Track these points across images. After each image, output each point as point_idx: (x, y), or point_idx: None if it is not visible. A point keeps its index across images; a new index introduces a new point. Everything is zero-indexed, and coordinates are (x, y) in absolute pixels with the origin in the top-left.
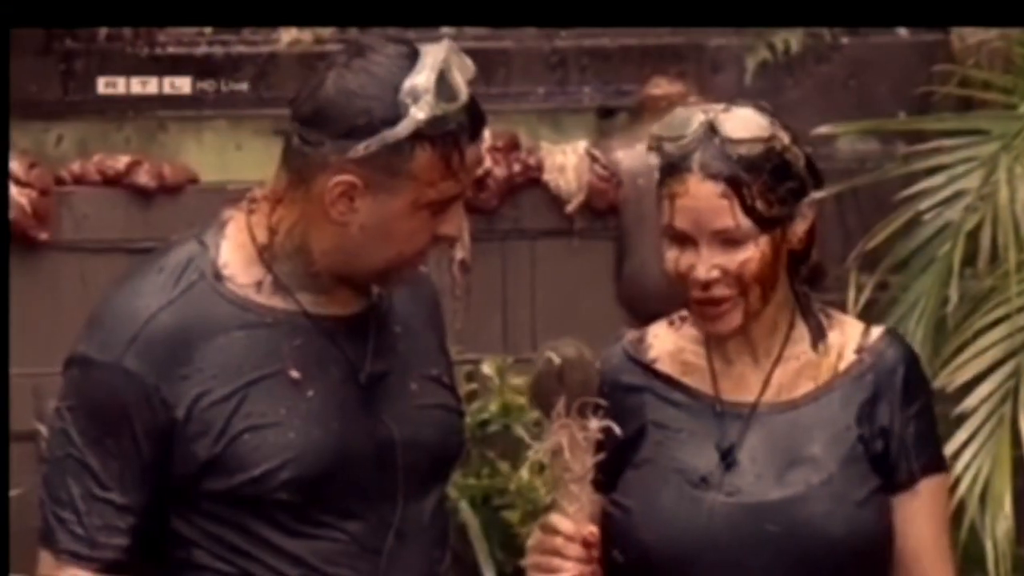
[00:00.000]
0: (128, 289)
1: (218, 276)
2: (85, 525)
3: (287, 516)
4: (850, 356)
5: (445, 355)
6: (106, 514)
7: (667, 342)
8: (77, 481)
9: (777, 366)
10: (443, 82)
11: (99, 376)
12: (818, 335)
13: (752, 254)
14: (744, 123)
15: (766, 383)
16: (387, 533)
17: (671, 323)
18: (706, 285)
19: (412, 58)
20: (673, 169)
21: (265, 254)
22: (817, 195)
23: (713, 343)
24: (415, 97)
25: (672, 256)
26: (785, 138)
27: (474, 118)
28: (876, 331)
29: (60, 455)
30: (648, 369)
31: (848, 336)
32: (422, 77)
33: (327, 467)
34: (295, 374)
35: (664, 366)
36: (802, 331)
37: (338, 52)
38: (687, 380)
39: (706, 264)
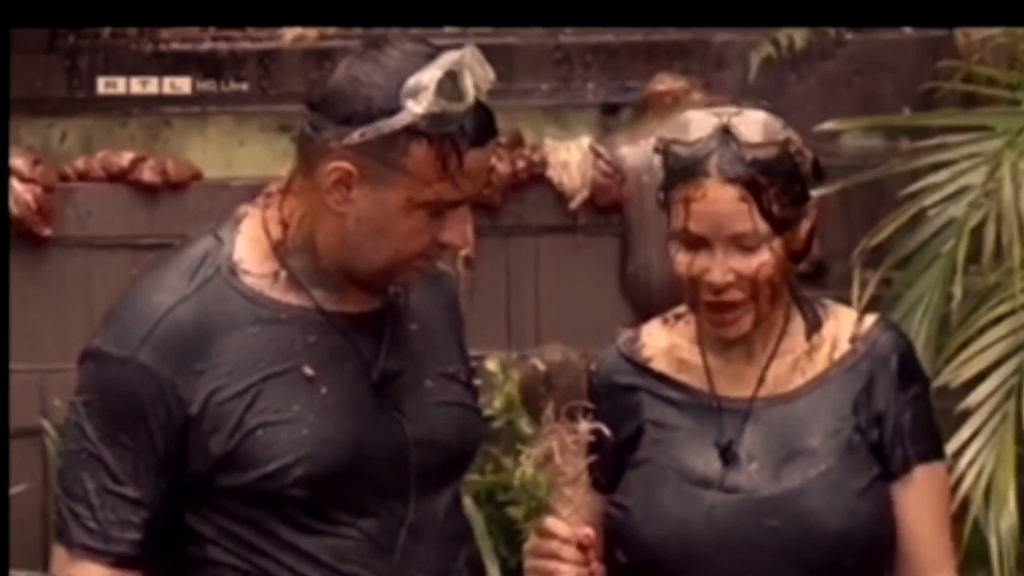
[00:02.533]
0: (144, 284)
1: (233, 271)
2: (99, 519)
3: (300, 513)
4: (844, 346)
5: (463, 352)
6: (120, 509)
7: (661, 340)
8: (91, 475)
9: (772, 361)
10: (449, 82)
11: (114, 370)
12: (813, 325)
13: (767, 257)
14: (759, 127)
15: (762, 378)
16: (400, 530)
17: (665, 321)
18: (720, 289)
19: (428, 58)
20: (687, 173)
21: (279, 249)
22: (818, 192)
23: (708, 340)
24: (415, 91)
25: (684, 260)
26: (797, 141)
27: (480, 125)
28: (869, 319)
29: (75, 449)
30: (643, 368)
31: (842, 326)
32: (427, 74)
33: (340, 464)
34: (309, 371)
35: (659, 364)
36: (797, 325)
37: (359, 44)
38: (682, 378)
39: (721, 268)
